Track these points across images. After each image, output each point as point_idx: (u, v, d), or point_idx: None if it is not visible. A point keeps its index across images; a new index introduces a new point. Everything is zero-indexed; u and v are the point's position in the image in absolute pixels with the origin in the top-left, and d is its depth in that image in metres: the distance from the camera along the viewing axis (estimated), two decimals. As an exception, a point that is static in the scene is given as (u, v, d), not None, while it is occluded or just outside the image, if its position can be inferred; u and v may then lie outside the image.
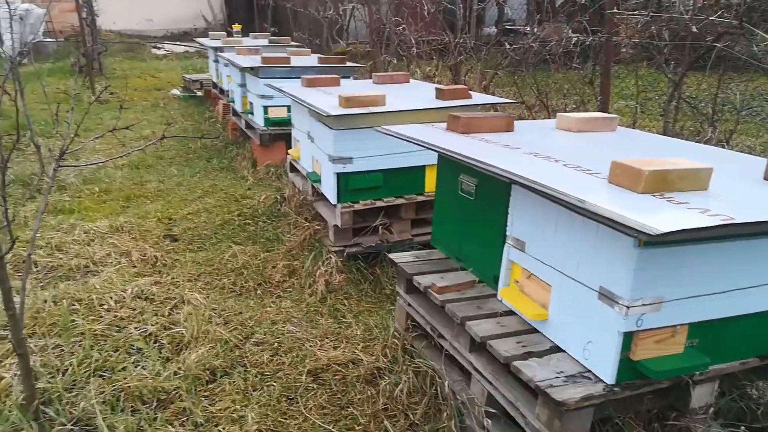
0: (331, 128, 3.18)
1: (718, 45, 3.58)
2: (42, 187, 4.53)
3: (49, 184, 1.96)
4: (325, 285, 3.16)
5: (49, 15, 11.30)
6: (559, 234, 1.72)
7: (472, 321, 1.89)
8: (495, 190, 2.03)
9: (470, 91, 3.48)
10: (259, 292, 3.19)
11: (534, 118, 5.28)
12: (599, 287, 1.57)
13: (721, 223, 1.29)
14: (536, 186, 1.54)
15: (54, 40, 12.59)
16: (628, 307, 1.48)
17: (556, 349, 1.75)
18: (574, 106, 5.05)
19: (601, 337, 1.58)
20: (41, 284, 3.12)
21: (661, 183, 1.49)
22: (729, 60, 4.66)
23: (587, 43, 4.29)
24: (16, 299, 1.92)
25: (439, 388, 2.14)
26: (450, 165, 2.31)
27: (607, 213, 1.34)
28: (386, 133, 2.34)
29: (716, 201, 1.47)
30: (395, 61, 7.71)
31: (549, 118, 5.30)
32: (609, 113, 4.13)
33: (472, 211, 2.21)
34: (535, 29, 7.46)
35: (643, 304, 1.50)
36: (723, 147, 3.81)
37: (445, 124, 2.43)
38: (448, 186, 2.36)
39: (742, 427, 1.76)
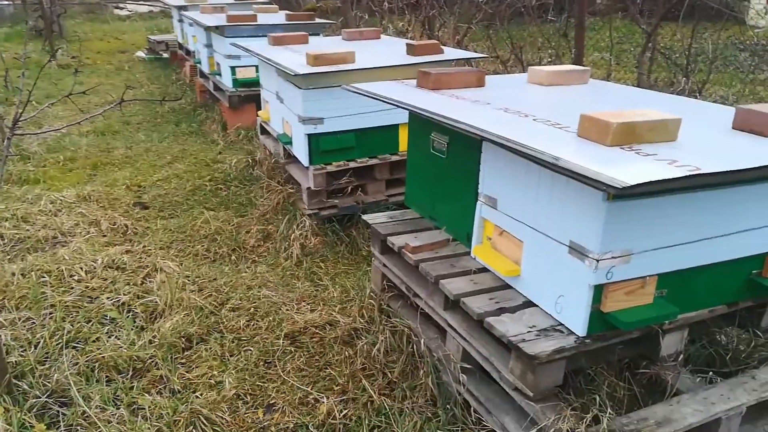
0: (299, 88, 3.10)
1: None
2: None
3: (4, 154, 1.88)
4: (300, 248, 3.14)
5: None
6: (529, 190, 1.71)
7: (445, 279, 1.89)
8: (466, 148, 2.00)
9: (442, 46, 3.41)
10: (233, 257, 3.16)
11: (509, 72, 5.23)
12: (569, 242, 1.57)
13: (688, 173, 1.29)
14: (506, 142, 1.52)
15: (10, 2, 12.02)
16: (597, 261, 1.49)
17: (529, 304, 1.77)
18: (549, 59, 5.00)
19: (572, 290, 1.59)
20: (8, 257, 3.05)
21: (630, 135, 1.48)
22: (702, 9, 4.63)
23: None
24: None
25: (415, 347, 2.16)
26: (421, 123, 2.26)
27: (576, 167, 1.32)
28: (355, 92, 2.28)
29: (684, 152, 1.46)
30: (367, 17, 7.52)
31: (524, 72, 5.26)
32: (583, 66, 4.10)
33: (444, 169, 2.18)
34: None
35: (613, 257, 1.50)
36: (696, 97, 3.82)
37: (415, 81, 2.38)
38: (419, 145, 2.33)
39: (710, 373, 1.81)
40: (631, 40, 8.22)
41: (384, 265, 2.39)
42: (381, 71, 3.13)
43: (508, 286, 1.86)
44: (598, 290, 1.55)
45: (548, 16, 5.80)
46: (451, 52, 3.43)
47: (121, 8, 14.24)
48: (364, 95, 2.22)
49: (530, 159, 1.51)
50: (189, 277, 2.89)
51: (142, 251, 3.16)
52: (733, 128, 1.74)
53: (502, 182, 1.84)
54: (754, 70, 5.73)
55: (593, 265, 1.50)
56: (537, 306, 1.75)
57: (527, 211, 1.73)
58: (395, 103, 2.06)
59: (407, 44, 3.39)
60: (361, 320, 2.44)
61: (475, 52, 5.44)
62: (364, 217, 2.45)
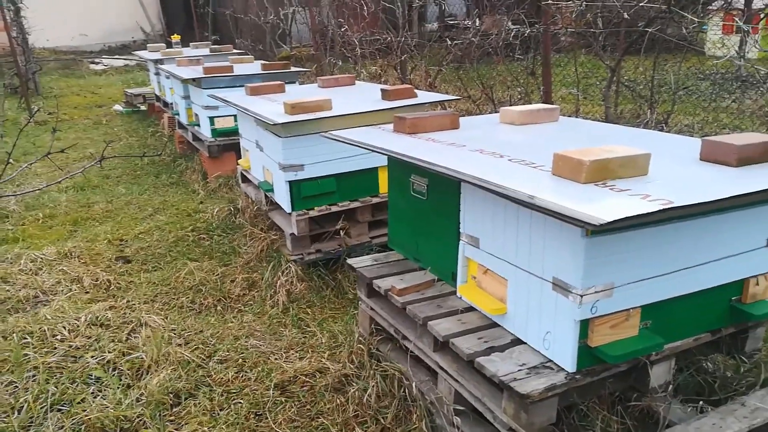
0: (279, 136, 3.15)
1: (650, 30, 3.70)
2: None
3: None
4: (286, 295, 3.13)
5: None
6: (509, 228, 1.75)
7: (433, 321, 1.91)
8: (446, 189, 2.04)
9: (416, 90, 3.50)
10: (219, 308, 3.13)
11: (480, 111, 5.36)
12: (553, 278, 1.61)
13: (661, 207, 1.34)
14: (483, 183, 1.56)
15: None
16: (581, 296, 1.52)
17: (517, 341, 1.78)
18: (518, 97, 5.14)
19: (558, 326, 1.62)
20: (-13, 320, 2.99)
21: (603, 172, 1.53)
22: (662, 43, 4.83)
23: (526, 34, 4.37)
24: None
25: (407, 390, 2.15)
26: (400, 166, 2.31)
27: (553, 206, 1.37)
28: (334, 139, 2.33)
29: (656, 186, 1.52)
30: (341, 63, 7.68)
31: (495, 111, 5.40)
32: (552, 103, 4.22)
33: (425, 210, 2.22)
34: (476, 23, 7.57)
35: (596, 292, 1.54)
36: (662, 128, 3.95)
37: (392, 126, 2.44)
38: (399, 187, 2.37)
39: (701, 402, 1.83)
40: (596, 74, 8.49)
41: (371, 309, 2.39)
42: (357, 117, 3.20)
43: (495, 325, 1.87)
44: (584, 325, 1.58)
45: (515, 55, 5.99)
46: (424, 96, 3.52)
47: (96, 63, 14.35)
48: (344, 142, 2.27)
49: (508, 198, 1.56)
50: (175, 330, 2.86)
51: (126, 306, 3.12)
52: (700, 159, 1.81)
53: (483, 222, 1.88)
54: (716, 98, 5.94)
55: (578, 301, 1.53)
56: (525, 343, 1.77)
57: (509, 249, 1.77)
58: (375, 150, 2.11)
59: (381, 89, 3.47)
60: (351, 366, 2.43)
61: (447, 93, 5.59)
62: (349, 261, 2.46)
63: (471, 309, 1.97)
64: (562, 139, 2.20)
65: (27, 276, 3.45)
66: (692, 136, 3.92)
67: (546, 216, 1.57)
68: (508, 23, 6.22)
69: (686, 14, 3.54)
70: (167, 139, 6.73)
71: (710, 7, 6.06)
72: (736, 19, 4.41)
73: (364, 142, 2.17)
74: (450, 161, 1.75)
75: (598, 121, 3.59)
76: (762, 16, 5.62)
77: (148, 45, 8.16)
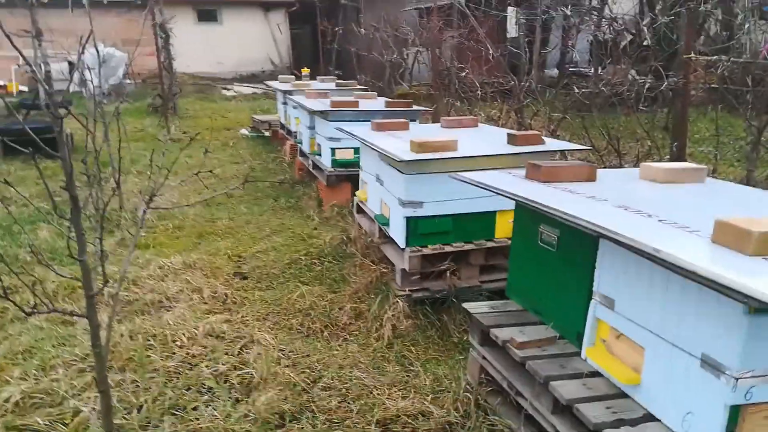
0: (402, 173, 3.19)
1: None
2: (120, 222, 4.74)
3: (138, 227, 2.03)
4: (392, 330, 3.12)
5: (129, 58, 12.03)
6: (654, 294, 1.63)
7: (556, 381, 1.81)
8: (580, 243, 1.96)
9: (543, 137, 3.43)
10: (326, 334, 3.18)
11: (604, 164, 5.15)
12: (702, 354, 1.47)
13: None
14: (634, 243, 1.47)
15: (132, 81, 13.39)
16: (736, 379, 1.37)
17: (650, 417, 1.64)
18: (646, 151, 4.90)
19: (703, 409, 1.47)
20: (118, 317, 3.22)
21: (773, 245, 1.39)
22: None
23: (662, 87, 4.17)
24: (102, 335, 1.98)
25: (516, 449, 2.05)
26: (528, 214, 2.25)
27: (717, 277, 1.25)
28: (465, 181, 2.31)
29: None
30: (458, 104, 7.74)
31: (620, 164, 5.17)
32: (685, 160, 3.97)
33: (553, 263, 2.14)
34: (600, 71, 7.36)
35: (754, 376, 1.39)
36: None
37: (523, 172, 2.39)
38: (526, 236, 2.31)
39: None
40: (729, 133, 7.94)
41: (483, 357, 2.32)
42: (483, 159, 3.18)
43: (624, 395, 1.74)
44: (735, 411, 1.43)
45: (638, 107, 5.73)
46: (552, 143, 3.44)
47: (228, 89, 15.49)
48: (475, 185, 2.25)
49: (658, 262, 1.46)
50: (284, 351, 2.93)
51: (240, 321, 3.25)
52: None
53: (621, 283, 1.77)
54: None
55: (731, 383, 1.39)
56: (659, 420, 1.62)
57: (651, 316, 1.65)
58: (506, 195, 2.07)
59: (508, 134, 3.44)
60: (456, 414, 2.36)
61: (569, 141, 5.44)
62: (465, 305, 2.41)
63: (597, 374, 1.85)
64: (714, 202, 2.04)
65: (154, 281, 3.70)
66: None
67: (701, 286, 1.44)
68: (634, 73, 6.00)
69: None
70: (287, 164, 7.07)
71: None
72: None
73: (495, 187, 2.14)
74: (593, 215, 1.68)
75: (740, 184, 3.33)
76: None
77: (279, 76, 8.69)
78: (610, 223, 1.60)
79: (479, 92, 6.89)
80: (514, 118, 6.59)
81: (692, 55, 4.15)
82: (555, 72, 13.10)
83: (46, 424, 2.31)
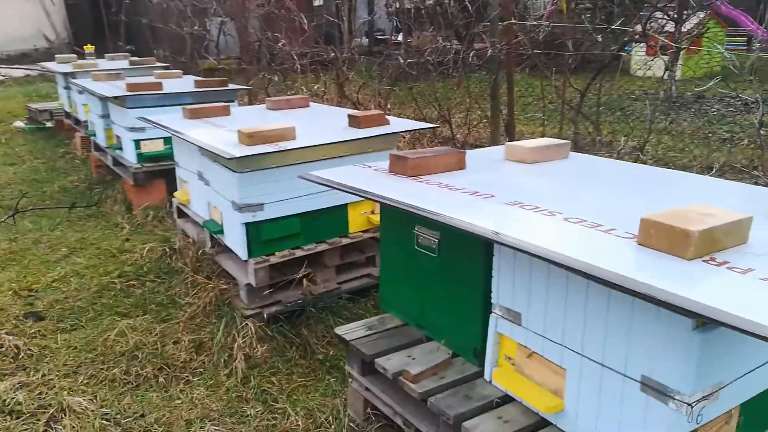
0: (233, 171, 2.66)
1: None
2: None
3: None
4: (245, 360, 2.62)
5: None
6: (573, 308, 1.39)
7: (469, 421, 1.51)
8: (467, 248, 1.67)
9: (387, 116, 3.12)
10: (161, 379, 2.57)
11: (436, 136, 5.07)
12: (642, 377, 1.26)
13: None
14: (553, 257, 1.19)
15: None
16: (689, 405, 1.18)
17: (580, 446, 1.42)
18: (477, 120, 4.88)
19: (646, 436, 1.27)
20: None
21: (709, 244, 1.21)
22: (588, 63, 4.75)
23: (489, 53, 4.11)
24: None
25: (421, 496, 1.74)
26: (398, 214, 1.91)
27: (663, 295, 1.02)
28: (320, 183, 1.89)
29: (760, 258, 1.21)
30: (275, 79, 7.17)
31: (452, 135, 5.12)
32: (515, 126, 3.95)
33: (435, 270, 1.83)
34: (409, 39, 7.33)
35: (704, 397, 1.21)
36: (638, 157, 3.79)
37: (384, 164, 2.04)
38: (398, 239, 1.97)
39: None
40: (530, 93, 8.50)
41: (366, 389, 1.96)
42: (327, 148, 2.78)
43: (547, 423, 1.50)
44: (684, 436, 1.24)
45: (451, 73, 5.74)
46: (396, 123, 3.14)
47: (-8, 72, 12.92)
48: (335, 188, 1.84)
49: (580, 274, 1.19)
50: (108, 415, 2.29)
51: (41, 383, 2.51)
52: (774, 213, 1.53)
53: (528, 294, 1.51)
54: (654, 120, 5.95)
55: (683, 409, 1.19)
56: (591, 449, 1.41)
57: (571, 333, 1.41)
58: (377, 199, 1.70)
59: (349, 116, 3.07)
60: (343, 459, 1.99)
61: (400, 115, 5.25)
62: (338, 331, 2.02)
63: (508, 398, 1.60)
64: (607, 188, 1.84)
65: None
66: (667, 166, 3.76)
67: (633, 299, 1.22)
68: (440, 40, 5.97)
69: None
70: (80, 161, 5.96)
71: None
72: (662, 38, 4.36)
73: (360, 188, 1.76)
74: (490, 222, 1.37)
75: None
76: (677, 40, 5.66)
77: (56, 56, 7.26)
78: (514, 231, 1.30)
79: (297, 65, 6.40)
80: (338, 92, 6.25)
81: (513, 21, 4.13)
82: (365, 41, 13.03)
83: None
